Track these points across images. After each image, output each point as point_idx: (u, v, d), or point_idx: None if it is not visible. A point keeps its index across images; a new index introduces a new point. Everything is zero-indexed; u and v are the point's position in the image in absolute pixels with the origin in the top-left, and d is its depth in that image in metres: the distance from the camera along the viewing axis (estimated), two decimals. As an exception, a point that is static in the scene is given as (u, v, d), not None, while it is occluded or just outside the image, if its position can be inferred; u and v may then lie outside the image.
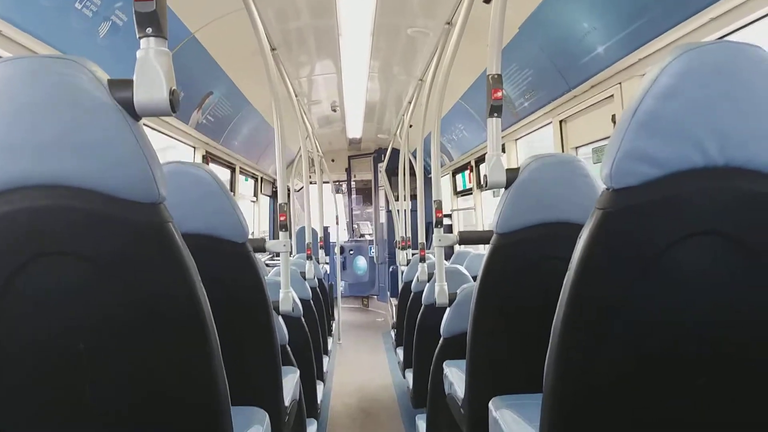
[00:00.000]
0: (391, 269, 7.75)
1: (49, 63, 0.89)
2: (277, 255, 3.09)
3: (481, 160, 5.28)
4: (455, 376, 2.02)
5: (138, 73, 0.91)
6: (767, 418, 0.97)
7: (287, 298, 2.41)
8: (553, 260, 1.44)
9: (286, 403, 1.82)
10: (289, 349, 2.36)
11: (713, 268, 0.92)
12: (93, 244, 0.91)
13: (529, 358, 1.32)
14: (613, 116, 2.61)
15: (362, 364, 5.50)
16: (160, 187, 0.93)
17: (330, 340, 5.17)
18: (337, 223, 7.30)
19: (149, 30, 0.93)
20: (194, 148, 4.18)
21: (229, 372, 1.05)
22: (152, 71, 0.91)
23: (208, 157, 4.39)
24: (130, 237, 0.92)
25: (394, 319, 5.61)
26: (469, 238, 2.51)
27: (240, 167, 5.43)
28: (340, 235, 7.63)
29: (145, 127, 0.95)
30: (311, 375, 3.12)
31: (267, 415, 1.52)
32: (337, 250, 7.13)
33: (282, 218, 2.54)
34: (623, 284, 0.93)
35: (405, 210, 5.50)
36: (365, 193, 9.26)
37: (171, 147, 3.97)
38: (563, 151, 3.27)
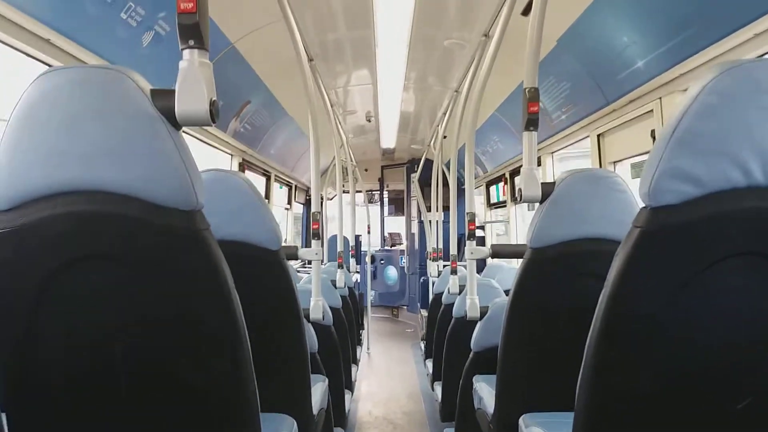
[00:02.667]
0: (421, 280, 7.72)
1: (94, 72, 0.92)
2: (309, 263, 3.11)
3: (515, 172, 5.23)
4: (485, 391, 1.99)
5: (180, 83, 0.93)
6: None
7: (318, 305, 2.43)
8: (587, 276, 1.42)
9: (314, 411, 1.82)
10: (318, 357, 2.37)
11: (754, 288, 0.90)
12: (132, 249, 0.93)
13: (561, 375, 1.30)
14: (653, 131, 2.56)
15: (391, 374, 5.47)
16: (198, 195, 0.95)
17: (359, 350, 5.17)
18: (368, 232, 7.32)
19: (191, 42, 0.95)
20: (231, 155, 4.24)
21: (258, 378, 1.06)
22: (194, 82, 0.94)
23: (244, 165, 4.46)
24: (168, 243, 0.94)
25: (424, 331, 5.58)
26: (502, 252, 2.49)
27: (275, 175, 5.50)
28: (371, 245, 7.64)
29: (184, 135, 0.97)
30: (339, 384, 3.12)
31: (295, 423, 1.53)
32: (368, 259, 7.14)
33: (315, 227, 2.56)
34: (660, 304, 0.91)
35: (437, 221, 5.49)
36: (398, 203, 9.26)
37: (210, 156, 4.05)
38: (600, 165, 3.22)
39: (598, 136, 3.22)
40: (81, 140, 0.89)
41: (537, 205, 1.65)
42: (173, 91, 0.93)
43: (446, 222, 5.96)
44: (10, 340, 0.94)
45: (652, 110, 2.54)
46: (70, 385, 0.97)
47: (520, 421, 1.51)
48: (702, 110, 0.87)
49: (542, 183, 1.62)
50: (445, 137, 4.82)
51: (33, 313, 0.93)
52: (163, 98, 0.92)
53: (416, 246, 8.58)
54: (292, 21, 2.28)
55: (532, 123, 1.74)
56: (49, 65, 1.92)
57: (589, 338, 0.99)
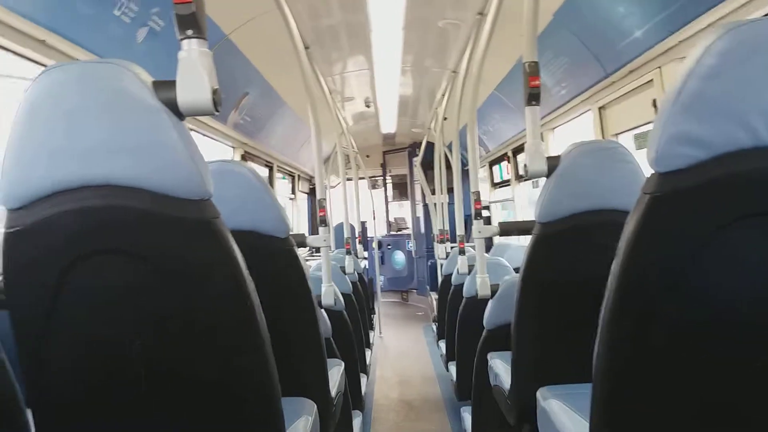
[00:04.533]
0: (429, 263, 7.73)
1: (95, 67, 0.93)
2: (317, 251, 3.11)
3: (518, 150, 5.22)
4: (500, 368, 2.01)
5: (180, 73, 0.94)
6: None
7: (329, 291, 2.44)
8: (597, 248, 1.42)
9: (332, 394, 1.85)
10: (333, 341, 2.39)
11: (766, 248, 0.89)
12: (145, 241, 0.94)
13: (576, 348, 1.31)
14: (654, 101, 2.54)
15: (404, 357, 5.52)
16: (207, 184, 0.96)
17: (371, 334, 5.19)
18: (374, 218, 7.32)
19: (190, 31, 0.95)
20: (233, 148, 4.25)
21: (277, 364, 1.07)
22: (194, 71, 0.94)
23: (246, 157, 4.46)
24: (181, 233, 0.94)
25: (435, 312, 5.60)
26: (510, 229, 2.49)
27: (277, 165, 5.50)
28: (377, 230, 7.66)
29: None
30: (355, 367, 3.15)
31: (315, 406, 1.55)
32: (375, 244, 7.15)
33: (321, 214, 2.57)
34: (674, 269, 0.91)
35: (442, 203, 5.48)
36: (401, 187, 9.25)
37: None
38: (603, 138, 3.21)
39: (600, 108, 3.20)
40: (86, 135, 0.90)
41: (542, 182, 1.65)
42: (174, 82, 0.93)
43: (451, 204, 5.96)
44: (29, 337, 0.95)
45: (652, 80, 2.52)
46: (90, 379, 0.99)
47: (538, 394, 1.52)
48: (706, 72, 0.85)
49: (547, 157, 1.62)
50: (445, 119, 4.81)
51: (50, 310, 0.94)
52: (165, 89, 0.93)
53: (422, 229, 8.59)
54: (285, 9, 2.27)
55: (533, 97, 1.73)
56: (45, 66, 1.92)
57: (603, 309, 0.99)
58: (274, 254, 1.65)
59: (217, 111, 0.97)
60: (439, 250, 5.43)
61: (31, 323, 0.95)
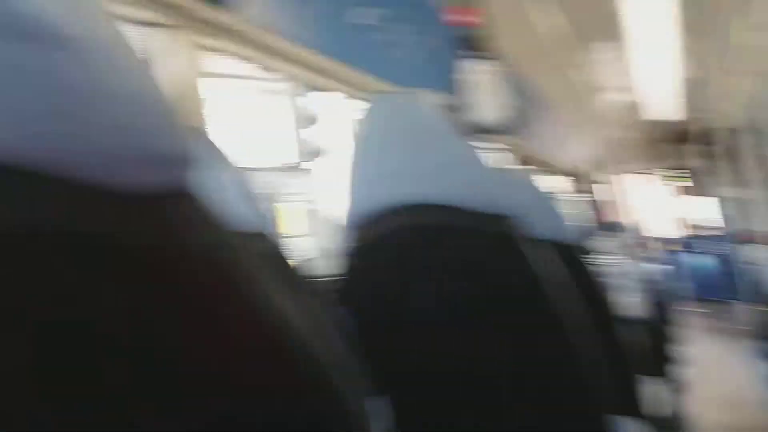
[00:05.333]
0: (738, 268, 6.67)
1: (404, 98, 1.06)
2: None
3: None
4: None
5: (474, 95, 0.98)
6: None
7: (636, 301, 2.34)
8: None
9: (652, 413, 1.72)
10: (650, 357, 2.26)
11: None
12: (456, 257, 0.99)
13: None
14: None
15: (721, 376, 4.91)
16: (503, 198, 0.99)
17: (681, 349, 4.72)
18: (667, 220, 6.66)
19: (479, 53, 1.00)
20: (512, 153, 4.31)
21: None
22: (486, 93, 0.98)
23: (526, 161, 4.49)
24: (486, 248, 0.98)
25: (756, 328, 4.86)
26: None
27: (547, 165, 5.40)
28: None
29: None
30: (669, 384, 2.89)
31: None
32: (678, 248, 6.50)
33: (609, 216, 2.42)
34: None
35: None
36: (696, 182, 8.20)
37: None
38: None
39: None
40: (411, 160, 1.00)
41: None
42: (466, 104, 0.98)
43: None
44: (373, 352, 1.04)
45: None
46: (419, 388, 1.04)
47: None
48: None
49: None
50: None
51: (389, 323, 1.02)
52: (458, 111, 0.98)
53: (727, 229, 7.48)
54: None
55: None
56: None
57: None
58: (572, 262, 1.59)
59: (510, 130, 0.98)
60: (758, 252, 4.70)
61: (373, 338, 1.04)
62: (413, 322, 0.99)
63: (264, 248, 0.93)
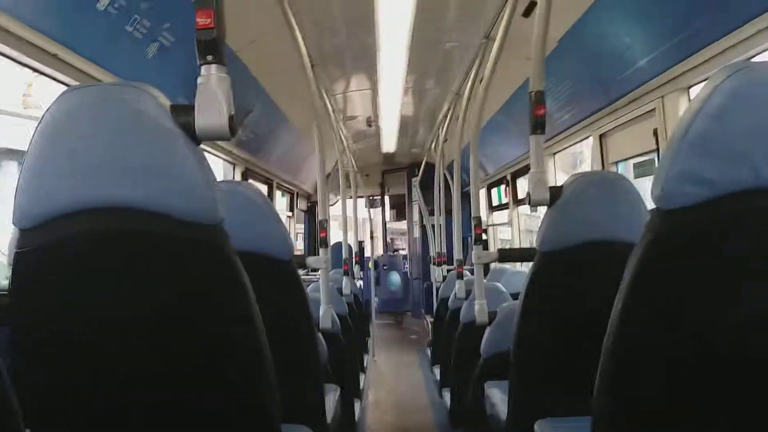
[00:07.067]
0: (425, 285, 7.68)
1: (116, 90, 0.94)
2: (314, 271, 3.09)
3: (517, 174, 5.23)
4: (497, 397, 1.98)
5: (199, 98, 0.94)
6: None
7: (327, 314, 2.42)
8: (599, 280, 1.41)
9: (329, 421, 1.81)
10: (328, 366, 2.36)
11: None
12: (156, 266, 0.93)
13: (576, 381, 1.29)
14: (655, 130, 2.56)
15: (398, 381, 5.46)
16: (219, 209, 0.96)
17: (366, 357, 5.14)
18: (371, 238, 7.30)
19: (210, 57, 0.96)
20: (233, 164, 4.24)
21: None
22: (213, 97, 0.94)
23: (247, 174, 4.46)
24: (193, 257, 0.94)
25: (430, 337, 5.54)
26: (509, 256, 2.49)
27: (277, 183, 5.49)
28: (374, 251, 7.63)
29: None
30: (349, 392, 3.10)
31: None
32: (371, 265, 7.11)
33: (323, 234, 2.56)
34: (676, 305, 0.90)
35: (440, 225, 5.47)
36: (399, 208, 9.23)
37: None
38: (603, 165, 3.22)
39: (600, 136, 3.22)
40: (104, 157, 0.90)
41: (541, 209, 1.65)
42: (192, 107, 0.93)
43: (449, 226, 5.97)
44: (31, 355, 0.94)
45: (654, 109, 2.54)
46: (92, 402, 0.97)
47: (536, 426, 1.50)
48: (713, 112, 0.86)
49: (550, 187, 1.62)
50: (446, 140, 4.82)
51: (55, 331, 0.93)
52: (183, 113, 0.93)
53: (419, 251, 8.57)
54: (294, 27, 2.28)
55: (539, 126, 1.74)
56: (54, 78, 1.92)
57: (605, 343, 0.98)
58: (278, 277, 1.63)
59: (233, 136, 0.97)
60: (436, 272, 5.41)
61: (37, 343, 0.93)
62: (82, 330, 0.94)
63: None
